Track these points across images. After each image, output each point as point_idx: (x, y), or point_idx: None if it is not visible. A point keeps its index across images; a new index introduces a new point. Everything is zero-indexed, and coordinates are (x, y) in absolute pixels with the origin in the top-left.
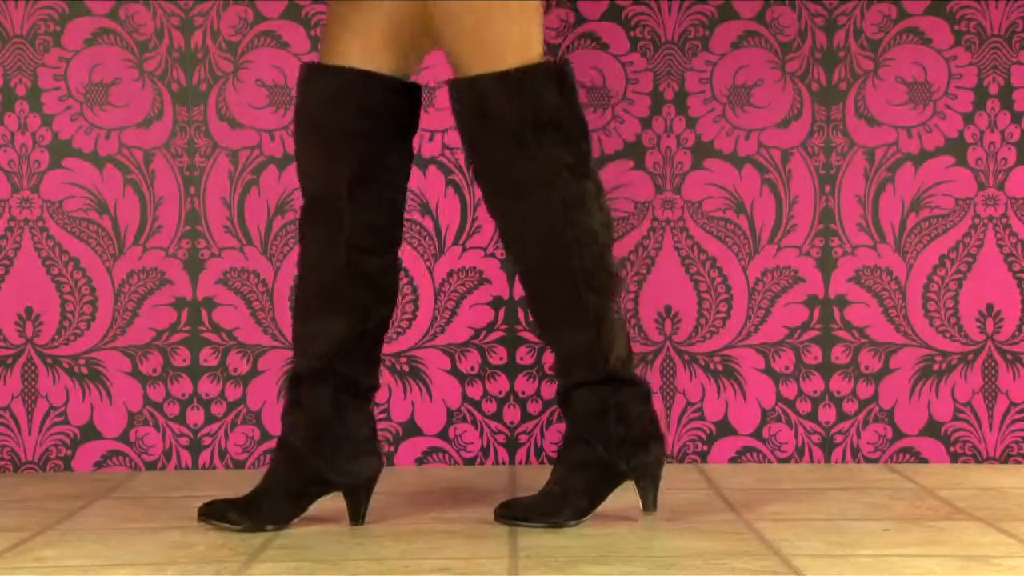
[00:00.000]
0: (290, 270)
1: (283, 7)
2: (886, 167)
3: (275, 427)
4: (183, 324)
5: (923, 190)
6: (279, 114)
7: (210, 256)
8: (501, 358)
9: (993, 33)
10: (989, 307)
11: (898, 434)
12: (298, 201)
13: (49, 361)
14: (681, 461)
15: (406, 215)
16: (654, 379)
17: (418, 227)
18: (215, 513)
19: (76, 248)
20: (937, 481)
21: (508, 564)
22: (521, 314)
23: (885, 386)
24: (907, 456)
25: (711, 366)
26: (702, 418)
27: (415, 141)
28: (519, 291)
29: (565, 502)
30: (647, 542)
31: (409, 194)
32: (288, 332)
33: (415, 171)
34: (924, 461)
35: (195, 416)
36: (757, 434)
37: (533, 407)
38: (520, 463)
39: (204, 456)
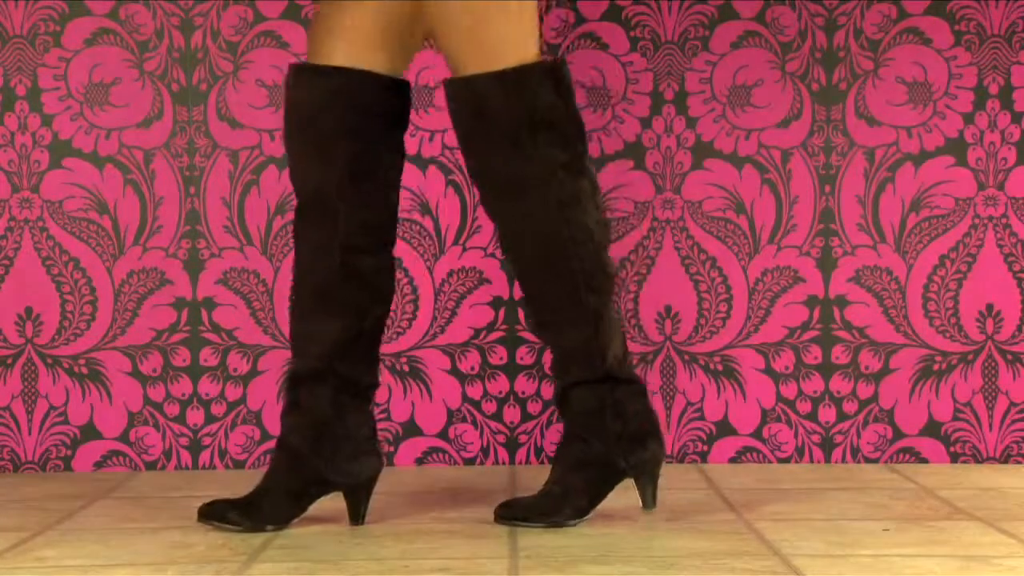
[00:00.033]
0: (290, 270)
1: (283, 7)
2: (886, 167)
3: (275, 427)
4: (183, 324)
5: (923, 190)
6: (279, 114)
7: (210, 256)
8: (501, 358)
9: (993, 33)
10: (989, 307)
11: (898, 434)
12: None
13: (49, 361)
14: (681, 461)
15: (406, 215)
16: (654, 379)
17: (418, 227)
18: (215, 514)
19: (76, 248)
20: (937, 481)
21: (508, 564)
22: (521, 314)
23: (885, 386)
24: (907, 456)
25: (711, 366)
26: (702, 418)
27: (415, 141)
28: (519, 291)
29: (565, 502)
30: (647, 542)
31: (409, 194)
32: (288, 332)
33: (415, 171)
34: (924, 461)
35: (195, 416)
36: (757, 434)
37: (533, 407)
38: (520, 463)
39: (204, 456)
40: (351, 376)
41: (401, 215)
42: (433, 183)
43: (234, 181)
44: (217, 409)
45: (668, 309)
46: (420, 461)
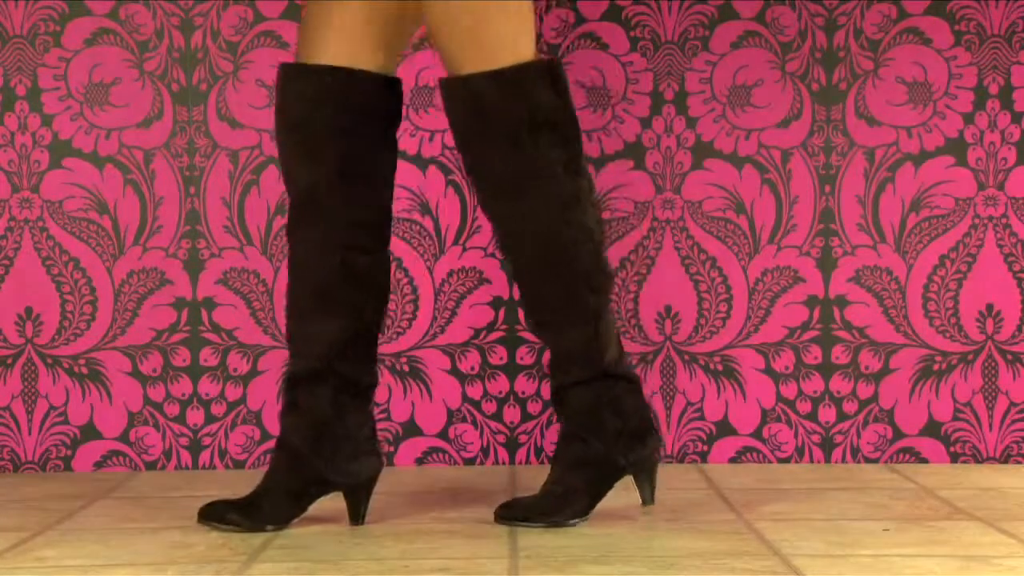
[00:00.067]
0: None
1: (283, 7)
2: (886, 167)
3: (275, 427)
4: (183, 324)
5: (923, 190)
6: None
7: (210, 256)
8: (501, 358)
9: (993, 33)
10: (989, 307)
11: (898, 434)
12: None
13: (49, 361)
14: (681, 461)
15: (406, 215)
16: (654, 379)
17: (418, 227)
18: (215, 514)
19: (76, 248)
20: (937, 481)
21: (508, 564)
22: (521, 314)
23: (885, 386)
24: (907, 456)
25: (711, 366)
26: (702, 418)
27: (415, 141)
28: (518, 291)
29: (566, 501)
30: (647, 542)
31: (409, 194)
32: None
33: (415, 171)
34: (924, 461)
35: (195, 416)
36: (757, 434)
37: (533, 407)
38: (520, 463)
39: (204, 456)
40: (351, 376)
41: (401, 215)
42: (433, 183)
43: (234, 181)
44: (217, 409)
45: (668, 309)
46: (420, 461)
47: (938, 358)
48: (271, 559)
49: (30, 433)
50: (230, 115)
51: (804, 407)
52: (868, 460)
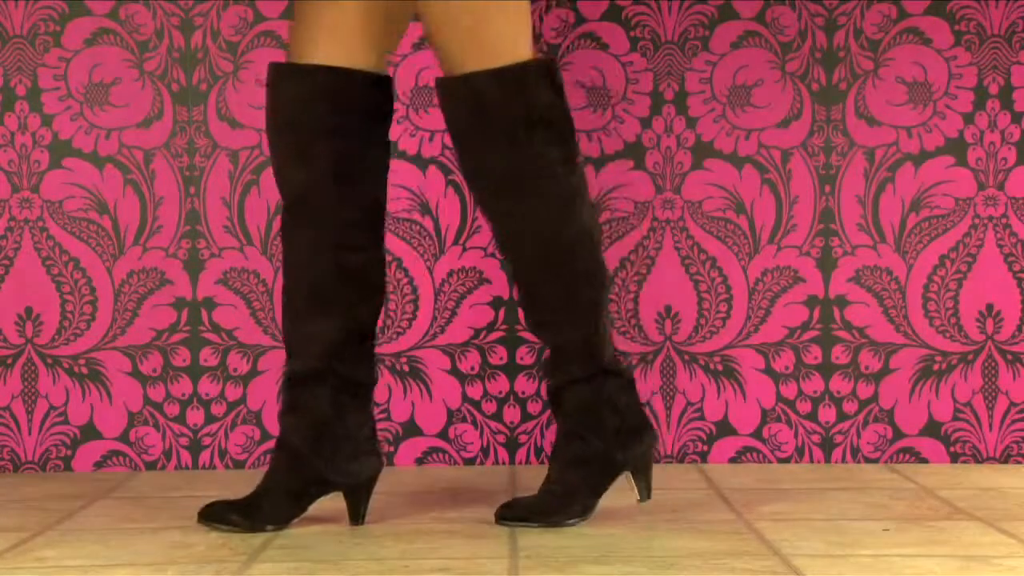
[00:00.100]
0: None
1: (283, 7)
2: (886, 167)
3: (275, 427)
4: (183, 324)
5: (923, 190)
6: None
7: (210, 256)
8: (501, 358)
9: (993, 33)
10: (989, 307)
11: (898, 434)
12: None
13: (49, 361)
14: (681, 461)
15: (406, 215)
16: (654, 379)
17: (418, 227)
18: (215, 515)
19: (76, 248)
20: (937, 481)
21: (508, 564)
22: (521, 314)
23: (885, 386)
24: (907, 456)
25: (711, 366)
26: (702, 418)
27: (415, 141)
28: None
29: (567, 501)
30: (647, 542)
31: (409, 194)
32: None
33: (415, 171)
34: (924, 461)
35: (195, 416)
36: (757, 434)
37: (533, 407)
38: (520, 463)
39: (204, 456)
40: (350, 375)
41: (401, 215)
42: (433, 183)
43: (234, 181)
44: (217, 409)
45: (668, 309)
46: (420, 461)
47: (938, 358)
48: (271, 559)
49: (30, 433)
50: (230, 115)
51: (804, 407)
52: (868, 460)
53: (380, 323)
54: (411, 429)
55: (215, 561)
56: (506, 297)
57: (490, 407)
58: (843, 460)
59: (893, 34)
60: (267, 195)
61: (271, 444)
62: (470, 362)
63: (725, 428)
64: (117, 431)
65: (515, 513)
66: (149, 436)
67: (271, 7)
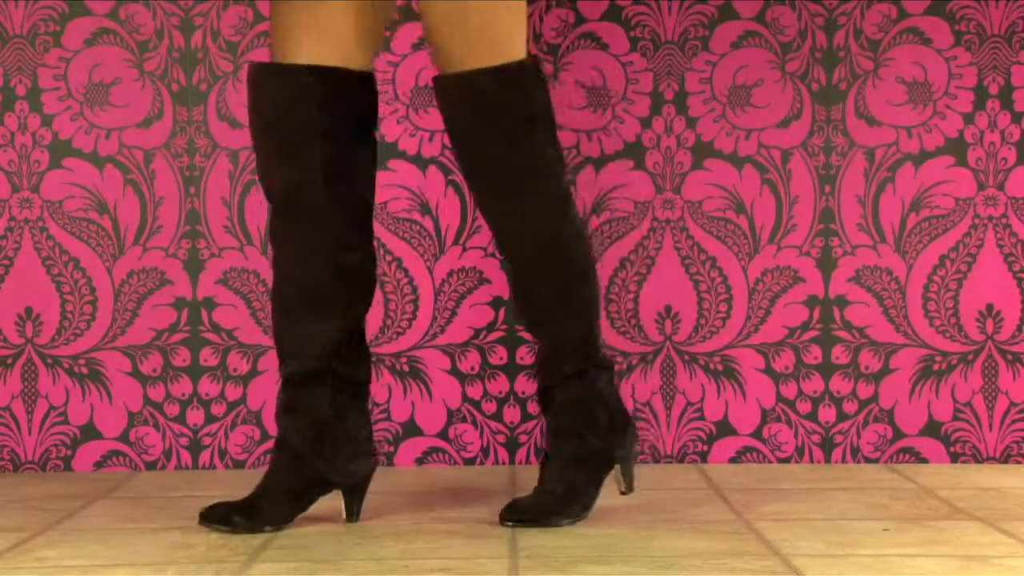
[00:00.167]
0: None
1: None
2: (886, 167)
3: (275, 427)
4: (183, 324)
5: (923, 190)
6: None
7: (210, 256)
8: (501, 358)
9: (993, 33)
10: (989, 307)
11: (898, 434)
12: None
13: (49, 361)
14: (681, 461)
15: (406, 215)
16: (654, 379)
17: (418, 227)
18: (217, 517)
19: (76, 248)
20: (937, 481)
21: (508, 564)
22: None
23: (885, 386)
24: (907, 456)
25: (711, 366)
26: (702, 418)
27: (415, 141)
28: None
29: (568, 500)
30: (647, 542)
31: (409, 194)
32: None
33: (415, 171)
34: (924, 461)
35: (195, 416)
36: (757, 434)
37: (533, 407)
38: (520, 463)
39: (204, 456)
40: (350, 375)
41: (401, 215)
42: (433, 183)
43: (234, 181)
44: (217, 409)
45: (668, 309)
46: (420, 461)
47: (938, 358)
48: (271, 559)
49: (30, 433)
50: (230, 115)
51: (804, 407)
52: (868, 460)
53: (380, 323)
54: (411, 429)
55: (215, 561)
56: (506, 297)
57: (490, 407)
58: (843, 460)
59: (893, 34)
60: None
61: (271, 444)
62: (470, 362)
63: (725, 428)
64: (117, 431)
65: (520, 515)
66: (149, 436)
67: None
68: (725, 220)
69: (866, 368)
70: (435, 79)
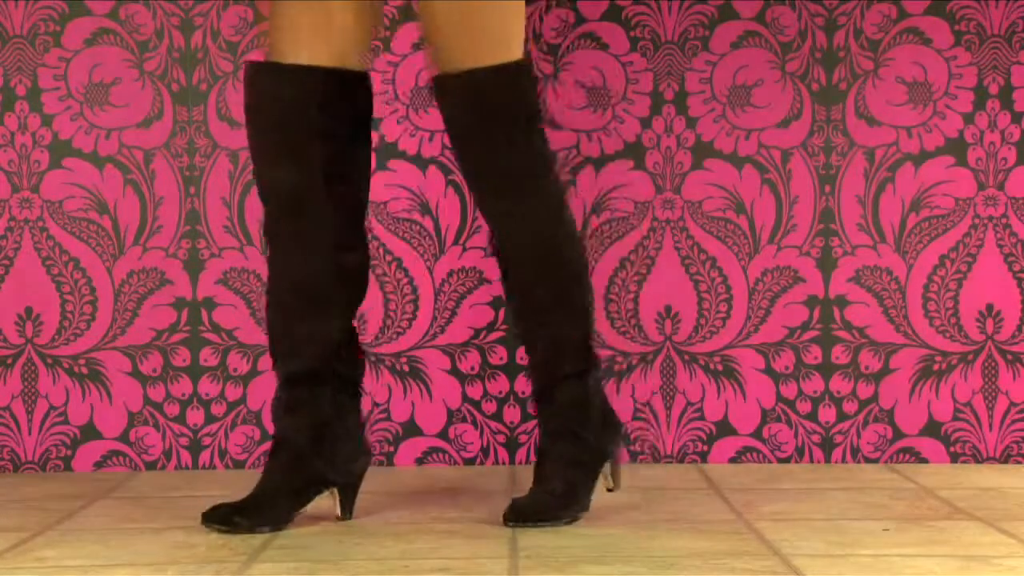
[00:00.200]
0: None
1: None
2: (886, 167)
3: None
4: (183, 324)
5: (923, 190)
6: None
7: (210, 256)
8: (501, 358)
9: (993, 33)
10: (989, 307)
11: (898, 434)
12: None
13: (49, 361)
14: (681, 461)
15: (406, 215)
16: (654, 379)
17: (418, 227)
18: (219, 517)
19: (76, 248)
20: (937, 481)
21: (508, 564)
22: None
23: (885, 386)
24: (907, 456)
25: (711, 366)
26: (702, 418)
27: (415, 141)
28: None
29: (569, 500)
30: (647, 542)
31: (409, 194)
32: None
33: (415, 171)
34: (924, 461)
35: (195, 416)
36: (757, 434)
37: (533, 407)
38: (520, 463)
39: (204, 456)
40: (349, 375)
41: (401, 215)
42: (433, 183)
43: (234, 181)
44: (217, 409)
45: (668, 309)
46: (420, 461)
47: (938, 358)
48: (271, 559)
49: (30, 433)
50: (230, 115)
51: (804, 407)
52: (868, 460)
53: (380, 323)
54: (411, 429)
55: (215, 561)
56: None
57: (490, 407)
58: (843, 460)
59: (893, 34)
60: None
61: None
62: (470, 362)
63: (725, 428)
64: (117, 431)
65: (523, 517)
66: (149, 436)
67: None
68: (725, 220)
69: (866, 368)
70: (434, 79)
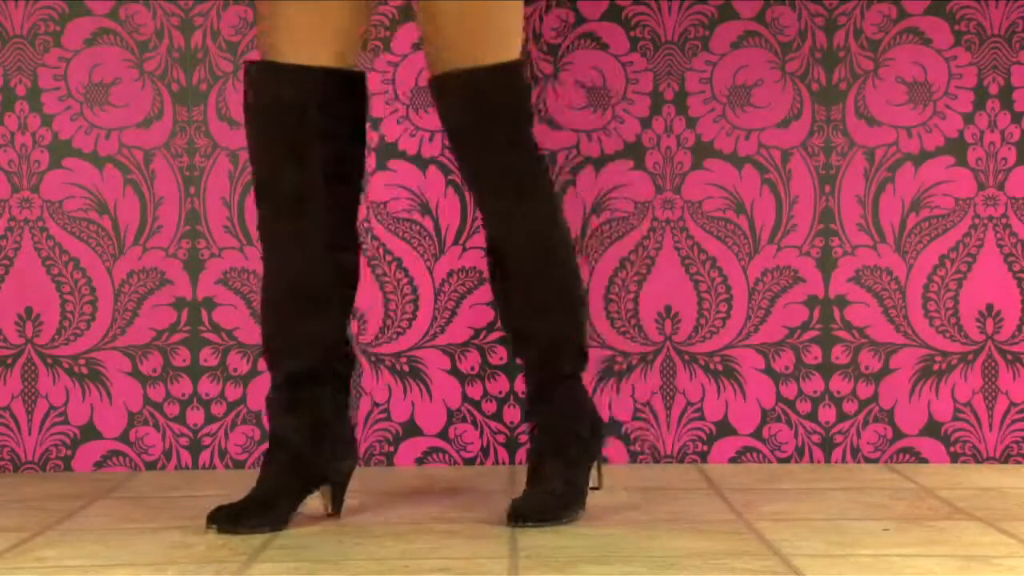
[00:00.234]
0: None
1: None
2: (886, 167)
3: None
4: (183, 324)
5: (923, 190)
6: None
7: (210, 256)
8: (501, 358)
9: (993, 33)
10: (989, 307)
11: (898, 434)
12: None
13: (49, 361)
14: (681, 461)
15: (406, 215)
16: (654, 379)
17: (418, 227)
18: (218, 518)
19: (76, 248)
20: (937, 481)
21: (508, 564)
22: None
23: (885, 386)
24: (907, 456)
25: (711, 366)
26: (702, 418)
27: (415, 141)
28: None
29: (570, 499)
30: (647, 542)
31: (409, 194)
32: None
33: (415, 171)
34: (924, 461)
35: (195, 416)
36: (757, 434)
37: None
38: (520, 463)
39: (204, 456)
40: (346, 375)
41: (401, 215)
42: (433, 183)
43: (234, 181)
44: (217, 409)
45: (668, 309)
46: (420, 461)
47: (938, 358)
48: (271, 559)
49: (30, 433)
50: (230, 115)
51: (804, 407)
52: (868, 460)
53: (380, 323)
54: (411, 429)
55: (215, 561)
56: None
57: (490, 407)
58: (843, 460)
59: (893, 34)
60: None
61: None
62: (470, 362)
63: (725, 428)
64: (117, 431)
65: (527, 517)
66: (149, 436)
67: None
68: (725, 220)
69: (866, 368)
70: (433, 79)
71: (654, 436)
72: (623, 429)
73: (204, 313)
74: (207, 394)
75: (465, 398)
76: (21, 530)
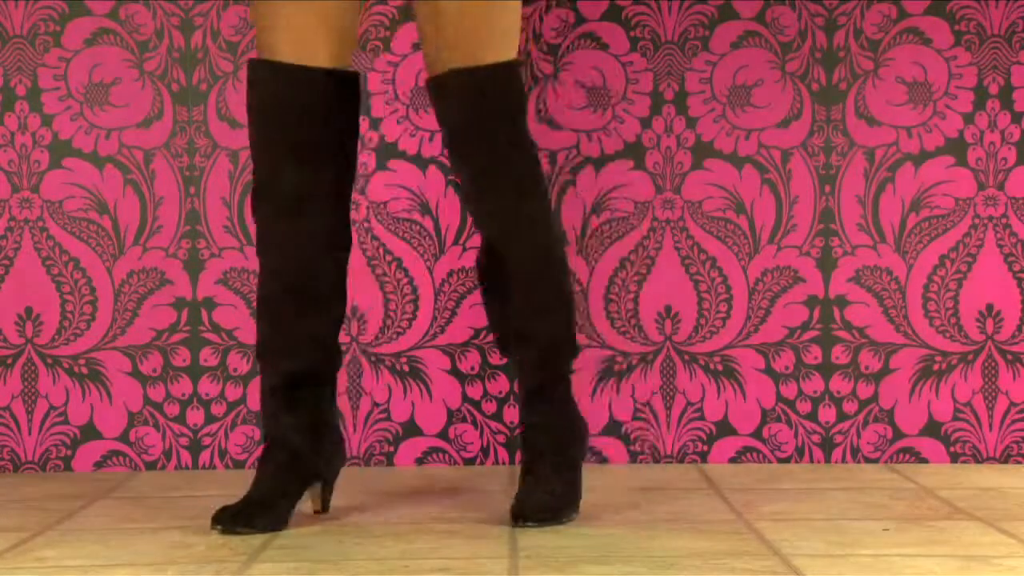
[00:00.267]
0: None
1: None
2: (886, 167)
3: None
4: (183, 324)
5: (923, 190)
6: None
7: (210, 256)
8: (501, 358)
9: (993, 33)
10: (989, 307)
11: (898, 434)
12: None
13: (49, 361)
14: (681, 461)
15: (406, 215)
16: (654, 379)
17: (418, 227)
18: (228, 519)
19: (76, 248)
20: (937, 481)
21: (508, 564)
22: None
23: (885, 386)
24: (907, 456)
25: (711, 366)
26: (702, 418)
27: (415, 141)
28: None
29: (570, 500)
30: (647, 542)
31: (409, 194)
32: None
33: (415, 171)
34: (924, 461)
35: (195, 416)
36: (757, 434)
37: None
38: (520, 463)
39: (204, 456)
40: (337, 374)
41: (401, 215)
42: (433, 183)
43: (234, 181)
44: (217, 409)
45: (668, 309)
46: (420, 461)
47: (938, 358)
48: (271, 559)
49: (30, 433)
50: (230, 115)
51: (804, 407)
52: (868, 460)
53: (380, 323)
54: (411, 429)
55: (215, 561)
56: None
57: (490, 407)
58: (843, 460)
59: (893, 34)
60: None
61: None
62: (470, 362)
63: (725, 428)
64: (117, 431)
65: (531, 518)
66: (149, 436)
67: None
68: (725, 220)
69: (866, 368)
70: (432, 78)
71: (654, 436)
72: (623, 429)
73: (204, 313)
74: (207, 394)
75: (465, 398)
76: (21, 530)
